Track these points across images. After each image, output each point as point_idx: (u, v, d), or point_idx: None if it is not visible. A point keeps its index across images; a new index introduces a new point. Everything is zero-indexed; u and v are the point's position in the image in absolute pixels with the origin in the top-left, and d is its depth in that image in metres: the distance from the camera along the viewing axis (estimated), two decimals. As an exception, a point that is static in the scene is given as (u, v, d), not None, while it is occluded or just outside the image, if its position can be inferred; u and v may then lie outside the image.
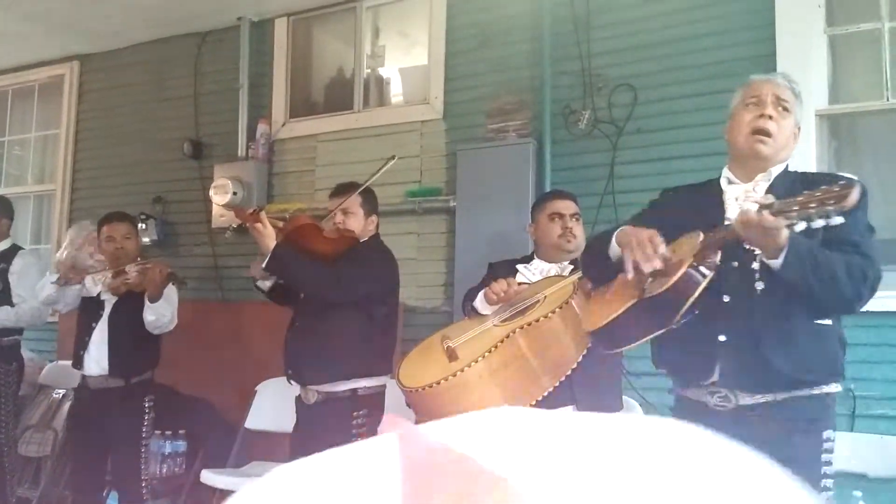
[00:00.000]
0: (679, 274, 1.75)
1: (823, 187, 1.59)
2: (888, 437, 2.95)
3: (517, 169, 3.73)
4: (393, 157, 3.09)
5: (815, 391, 1.88)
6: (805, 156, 3.15)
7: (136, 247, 3.73)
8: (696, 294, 1.76)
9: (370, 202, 3.11)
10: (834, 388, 1.91)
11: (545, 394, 2.24)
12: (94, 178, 5.38)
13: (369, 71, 4.57)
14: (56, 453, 4.49)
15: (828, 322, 1.90)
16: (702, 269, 1.78)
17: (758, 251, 1.83)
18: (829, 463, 1.87)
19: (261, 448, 4.12)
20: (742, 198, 1.97)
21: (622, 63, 3.66)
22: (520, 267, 2.75)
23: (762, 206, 1.66)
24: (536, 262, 2.78)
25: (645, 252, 1.77)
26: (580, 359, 2.25)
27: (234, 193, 4.45)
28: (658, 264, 1.76)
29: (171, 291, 3.54)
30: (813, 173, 2.03)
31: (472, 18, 4.10)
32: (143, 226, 4.84)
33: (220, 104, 4.86)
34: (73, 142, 5.52)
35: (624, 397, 2.85)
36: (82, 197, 5.42)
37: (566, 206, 2.80)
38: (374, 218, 3.12)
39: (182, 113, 5.00)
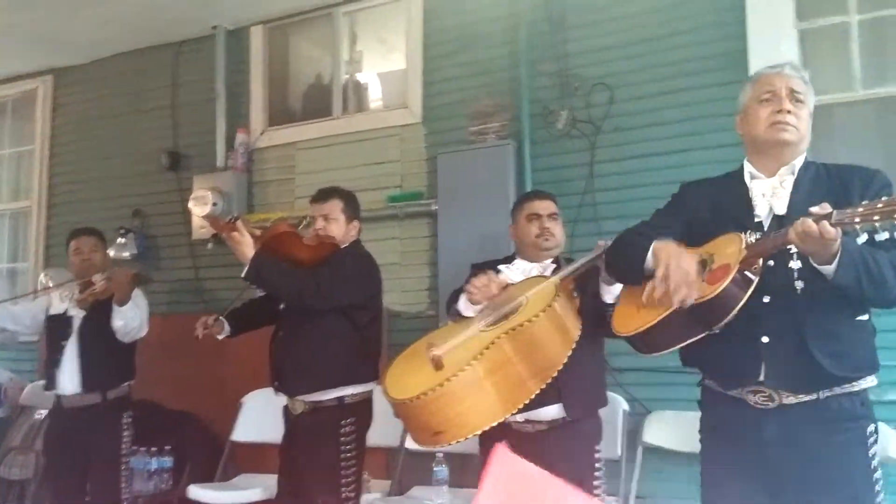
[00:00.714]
0: (727, 281, 1.72)
1: (885, 198, 1.58)
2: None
3: (498, 171, 3.74)
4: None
5: (856, 387, 1.87)
6: (780, 149, 3.20)
7: (104, 260, 3.72)
8: (745, 300, 1.75)
9: (351, 207, 3.09)
10: (871, 381, 1.90)
11: (533, 396, 2.23)
12: (71, 192, 5.33)
13: (347, 77, 4.56)
14: (39, 475, 4.43)
15: (865, 317, 1.90)
16: (747, 273, 1.76)
17: (794, 250, 1.82)
18: (875, 456, 1.87)
19: (249, 461, 4.09)
20: (769, 193, 1.95)
21: (598, 63, 3.69)
22: (502, 268, 2.73)
23: (820, 217, 1.62)
24: (518, 261, 2.78)
25: (680, 291, 1.76)
26: (566, 360, 2.24)
27: (214, 204, 4.43)
28: (692, 300, 1.76)
29: (139, 296, 3.52)
30: (836, 165, 2.00)
31: (449, 22, 4.11)
32: (123, 240, 4.80)
33: (197, 114, 4.83)
34: (49, 157, 5.46)
35: (609, 394, 2.86)
36: (59, 213, 5.36)
37: (543, 207, 2.79)
38: (355, 223, 3.10)
39: (159, 124, 4.97)
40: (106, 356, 3.47)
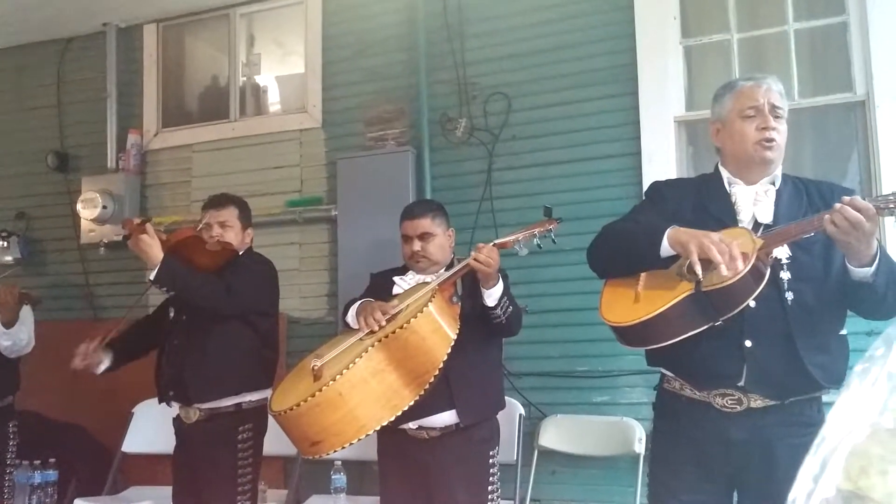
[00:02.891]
0: (748, 268, 1.70)
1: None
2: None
3: (397, 177, 3.75)
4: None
5: (817, 394, 1.92)
6: (665, 160, 3.35)
7: None
8: (758, 291, 1.73)
9: (246, 214, 3.08)
10: (834, 392, 1.92)
11: (410, 403, 2.25)
12: (-51, 194, 5.02)
13: (245, 79, 4.47)
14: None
15: (844, 331, 1.95)
16: (758, 264, 1.74)
17: (785, 259, 1.84)
18: None
19: (140, 472, 3.96)
20: (752, 200, 1.96)
21: (495, 72, 3.74)
22: (396, 279, 2.74)
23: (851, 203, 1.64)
24: (411, 273, 2.77)
25: (724, 255, 1.71)
26: (441, 365, 2.26)
27: (104, 207, 4.26)
28: (741, 266, 1.71)
29: (26, 312, 3.39)
30: (811, 180, 2.06)
31: (348, 27, 4.09)
32: (5, 243, 4.56)
33: (86, 114, 4.64)
34: (-77, 156, 5.13)
35: (507, 398, 2.91)
36: (-65, 214, 5.04)
37: (411, 228, 2.75)
38: (250, 231, 3.09)
39: (45, 123, 4.74)
40: None
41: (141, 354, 3.06)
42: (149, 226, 2.67)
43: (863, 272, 1.78)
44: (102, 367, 2.93)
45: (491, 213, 3.65)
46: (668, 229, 1.88)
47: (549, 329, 3.43)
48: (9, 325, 3.28)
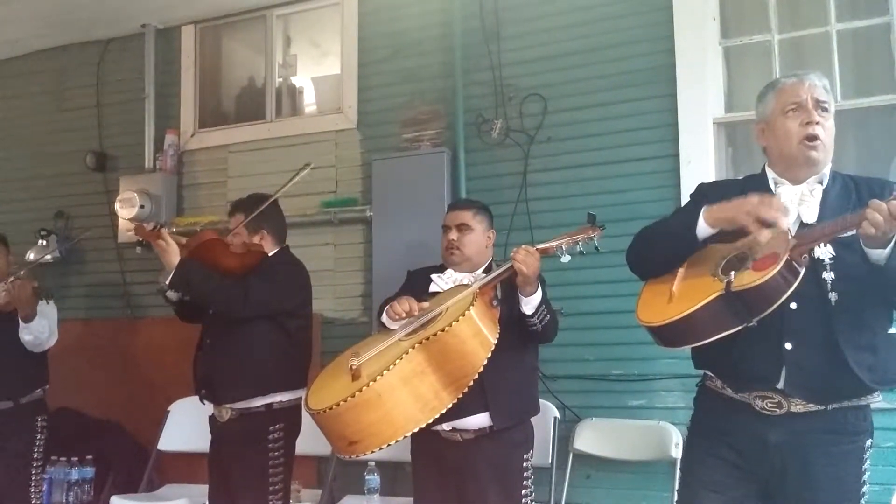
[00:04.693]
0: (778, 267, 1.68)
1: None
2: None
3: (432, 178, 3.75)
4: (308, 165, 3.05)
5: (863, 401, 1.88)
6: (704, 162, 3.31)
7: (5, 265, 3.58)
8: (791, 290, 1.71)
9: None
10: (878, 397, 1.90)
11: (448, 406, 2.24)
12: (-9, 193, 5.12)
13: (281, 80, 4.50)
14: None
15: (894, 330, 1.91)
16: (794, 263, 1.72)
17: (828, 259, 1.82)
18: (866, 471, 1.89)
19: (176, 470, 4.00)
20: (797, 201, 1.93)
21: (532, 73, 3.73)
22: (434, 276, 2.74)
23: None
24: (449, 271, 2.78)
25: (772, 209, 1.71)
26: (481, 369, 2.25)
27: (142, 206, 4.31)
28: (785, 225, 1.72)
29: (47, 307, 3.43)
30: (862, 177, 2.01)
31: (384, 28, 4.10)
32: (45, 242, 4.64)
33: (125, 114, 4.69)
34: (-34, 156, 5.23)
35: (542, 401, 2.89)
36: (-23, 214, 5.14)
37: (452, 218, 2.80)
38: (263, 232, 3.05)
39: (84, 124, 4.81)
40: (16, 362, 3.38)
41: (193, 318, 3.05)
42: (163, 231, 2.70)
43: (877, 253, 1.75)
44: (174, 295, 2.92)
45: (526, 214, 3.63)
46: (703, 209, 1.89)
47: (584, 331, 3.41)
48: (28, 319, 3.31)
